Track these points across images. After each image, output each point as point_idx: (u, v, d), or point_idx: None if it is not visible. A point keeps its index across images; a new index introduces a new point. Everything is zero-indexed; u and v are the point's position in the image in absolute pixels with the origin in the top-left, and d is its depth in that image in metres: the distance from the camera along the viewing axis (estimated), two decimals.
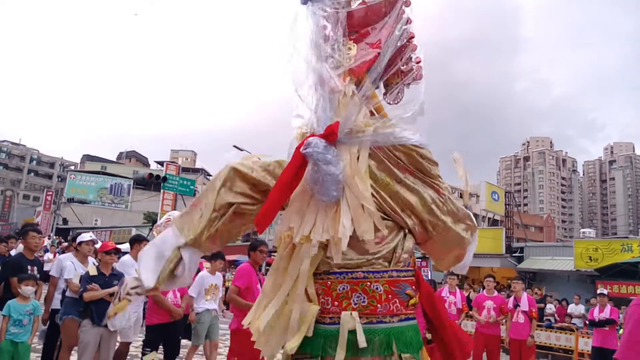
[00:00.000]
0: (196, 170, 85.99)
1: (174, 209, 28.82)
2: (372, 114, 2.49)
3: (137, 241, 6.74)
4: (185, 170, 70.58)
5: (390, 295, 2.26)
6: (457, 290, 9.54)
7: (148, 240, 7.70)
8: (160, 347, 6.15)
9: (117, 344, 5.95)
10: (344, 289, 2.26)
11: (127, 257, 6.50)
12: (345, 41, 2.46)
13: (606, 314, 9.56)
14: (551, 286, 21.88)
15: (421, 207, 2.40)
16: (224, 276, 9.06)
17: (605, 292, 10.44)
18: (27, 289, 5.22)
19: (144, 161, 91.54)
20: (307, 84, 2.47)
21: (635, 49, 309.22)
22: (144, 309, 6.35)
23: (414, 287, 2.38)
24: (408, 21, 2.51)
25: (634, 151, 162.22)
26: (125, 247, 8.31)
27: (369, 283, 2.25)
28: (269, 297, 2.39)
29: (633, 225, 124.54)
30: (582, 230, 47.84)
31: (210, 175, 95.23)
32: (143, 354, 5.91)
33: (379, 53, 2.39)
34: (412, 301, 2.33)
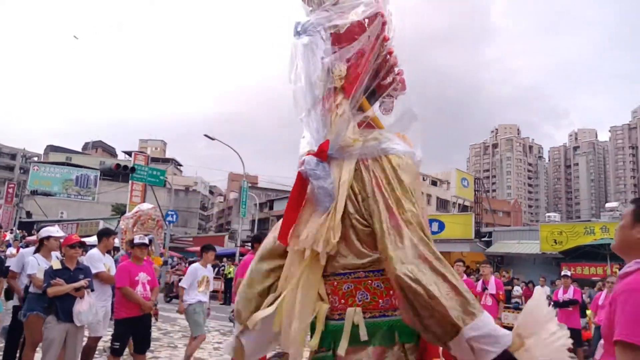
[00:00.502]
0: (166, 160, 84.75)
1: (144, 201, 28.27)
2: (370, 126, 2.69)
3: (105, 235, 6.59)
4: (155, 160, 69.46)
5: (391, 291, 2.41)
6: None
7: (116, 234, 7.56)
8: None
9: (86, 339, 5.85)
10: (348, 287, 2.48)
11: (95, 251, 6.35)
12: (335, 63, 2.66)
13: (570, 294, 9.87)
14: (518, 269, 22.44)
15: (378, 229, 2.40)
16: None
17: (569, 273, 10.77)
18: None
19: (111, 151, 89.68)
20: (306, 108, 2.72)
21: (598, 39, 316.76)
22: (112, 303, 6.24)
23: None
24: (385, 39, 2.70)
25: (596, 137, 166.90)
26: (93, 240, 8.14)
27: (370, 281, 2.46)
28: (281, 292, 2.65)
29: (595, 209, 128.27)
30: (547, 214, 49.01)
31: (180, 165, 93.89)
32: (112, 349, 5.80)
33: (359, 73, 2.61)
34: None
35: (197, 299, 6.93)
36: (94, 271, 5.96)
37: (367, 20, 2.68)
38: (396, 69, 2.77)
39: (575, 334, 9.65)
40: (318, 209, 2.56)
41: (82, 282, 5.25)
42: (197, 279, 6.99)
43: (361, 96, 2.62)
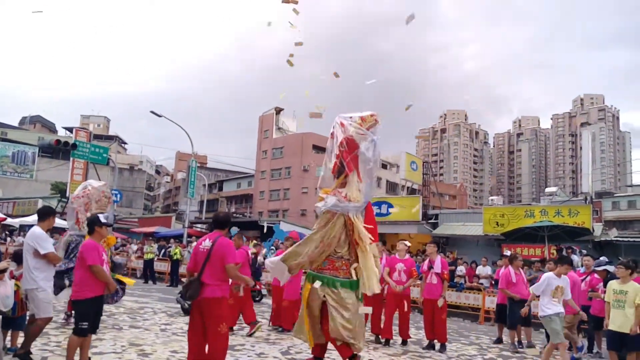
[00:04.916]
0: (109, 137, 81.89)
1: (85, 179, 27.24)
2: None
3: (52, 214, 6.36)
4: (98, 137, 66.91)
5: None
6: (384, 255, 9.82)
7: (56, 213, 7.20)
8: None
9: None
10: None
11: (38, 230, 5.97)
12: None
13: None
14: (462, 250, 23.15)
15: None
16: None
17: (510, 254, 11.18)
18: None
19: (50, 127, 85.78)
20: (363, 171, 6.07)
21: (537, 30, 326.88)
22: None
23: None
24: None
25: (539, 125, 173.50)
26: (31, 219, 7.76)
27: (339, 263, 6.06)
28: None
29: (535, 193, 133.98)
30: (490, 197, 50.87)
31: (125, 143, 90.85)
32: (79, 329, 5.33)
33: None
34: None
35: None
36: (42, 252, 5.73)
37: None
38: None
39: None
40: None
41: (4, 264, 4.92)
42: (551, 289, 7.47)
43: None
